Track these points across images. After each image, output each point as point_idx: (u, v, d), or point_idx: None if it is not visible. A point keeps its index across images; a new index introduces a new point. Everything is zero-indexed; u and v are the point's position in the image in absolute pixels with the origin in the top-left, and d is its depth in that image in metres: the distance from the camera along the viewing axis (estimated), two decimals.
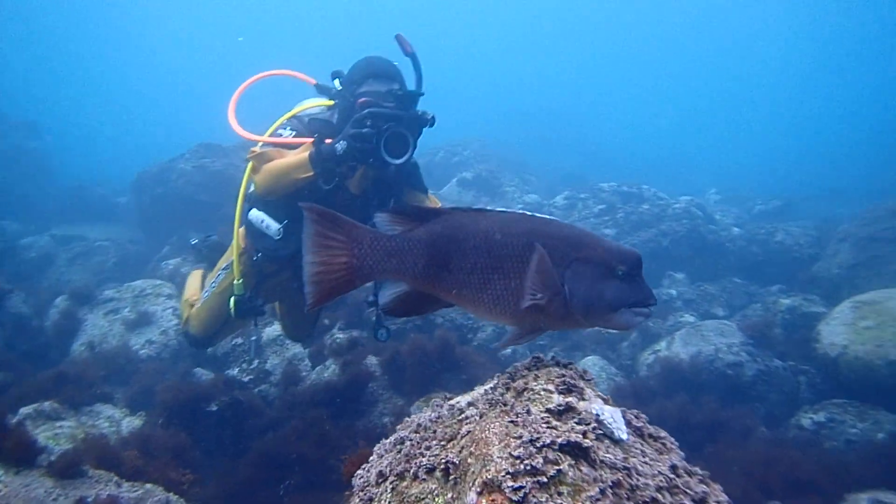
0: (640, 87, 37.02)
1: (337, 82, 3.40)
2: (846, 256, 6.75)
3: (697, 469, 1.38)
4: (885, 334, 4.64)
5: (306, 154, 3.05)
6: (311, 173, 3.03)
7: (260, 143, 3.37)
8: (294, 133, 3.29)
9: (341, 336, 5.37)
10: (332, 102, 3.42)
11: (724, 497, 1.34)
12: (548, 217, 1.62)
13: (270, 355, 5.35)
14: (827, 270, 7.02)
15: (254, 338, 3.90)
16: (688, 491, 1.27)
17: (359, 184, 3.30)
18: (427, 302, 1.71)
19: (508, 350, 5.84)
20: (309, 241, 1.60)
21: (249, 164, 3.33)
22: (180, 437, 3.89)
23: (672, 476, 1.26)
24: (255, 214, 3.41)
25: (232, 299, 3.50)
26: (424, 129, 3.07)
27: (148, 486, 2.85)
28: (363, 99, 3.08)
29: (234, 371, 5.22)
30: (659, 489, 1.18)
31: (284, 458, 3.73)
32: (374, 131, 2.84)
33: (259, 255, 3.53)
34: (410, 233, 1.64)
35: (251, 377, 5.15)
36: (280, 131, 3.33)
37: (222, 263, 3.84)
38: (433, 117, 3.06)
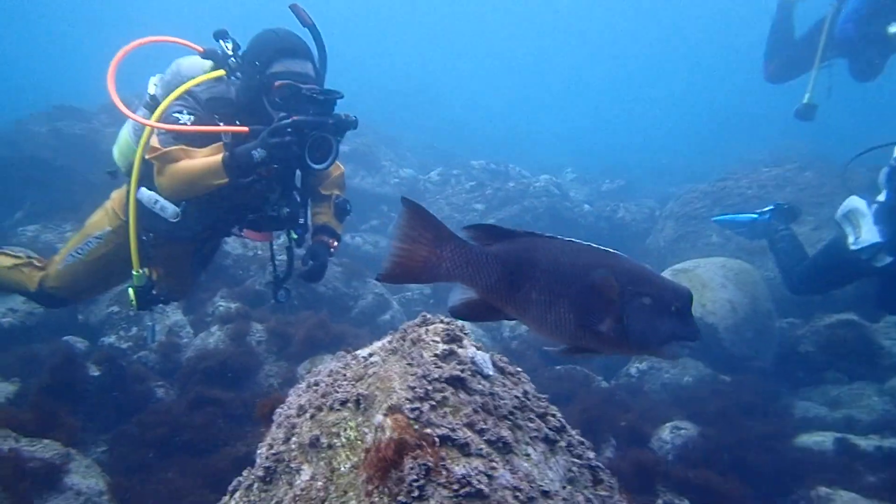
0: (509, 71, 38.44)
1: (228, 47, 3.17)
2: (670, 232, 7.85)
3: (543, 395, 1.85)
4: (694, 297, 5.59)
5: (219, 159, 2.90)
6: (226, 180, 2.91)
7: (154, 130, 3.10)
8: (193, 118, 3.03)
9: (224, 304, 5.44)
10: (222, 72, 3.17)
11: (559, 416, 1.82)
12: (611, 250, 1.77)
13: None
14: (656, 243, 8.12)
15: (150, 323, 3.84)
16: (534, 409, 1.72)
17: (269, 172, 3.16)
18: (492, 312, 1.80)
19: (387, 316, 6.23)
20: (400, 230, 1.71)
21: (140, 148, 3.13)
22: (61, 401, 3.83)
23: (523, 399, 1.71)
24: (147, 194, 3.19)
25: (131, 290, 3.35)
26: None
27: (46, 441, 2.89)
28: (281, 82, 2.94)
29: (112, 338, 5.12)
30: (513, 408, 1.61)
31: (171, 423, 3.82)
32: (297, 140, 2.80)
33: (151, 235, 3.38)
34: (488, 248, 1.74)
35: (129, 344, 5.09)
36: (175, 114, 3.04)
37: (92, 231, 3.58)
38: (356, 119, 3.05)
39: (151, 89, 3.31)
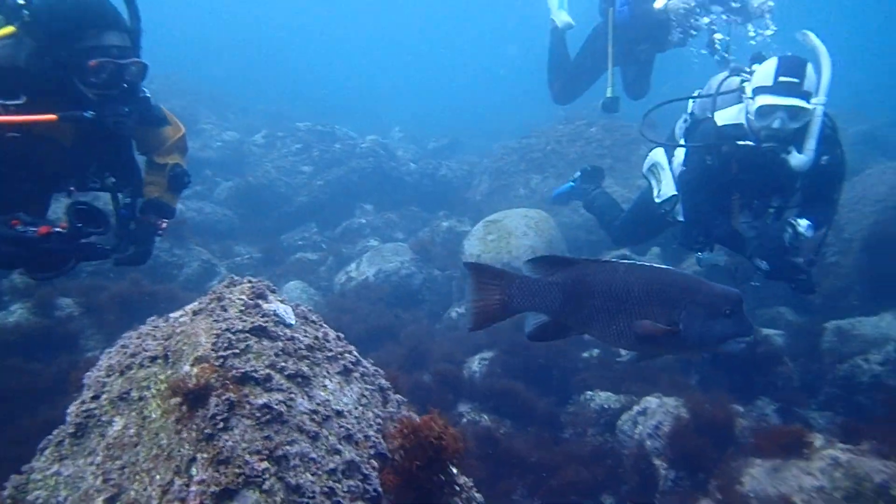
0: (344, 29, 37.30)
1: None
2: (485, 186, 8.53)
3: (341, 335, 2.13)
4: (501, 244, 6.24)
5: None
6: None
7: None
8: None
9: (19, 278, 5.00)
10: (12, 29, 2.68)
11: (355, 352, 2.12)
12: (664, 267, 2.07)
13: None
14: (473, 197, 8.77)
15: None
16: (332, 349, 2.00)
17: (70, 137, 2.91)
18: (563, 330, 2.10)
19: (215, 282, 6.14)
20: (471, 287, 2.09)
21: None
22: None
23: (321, 339, 1.98)
24: None
25: None
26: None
27: None
28: (98, 61, 2.67)
29: None
30: (310, 347, 1.88)
31: None
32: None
33: None
34: (550, 277, 2.06)
35: None
36: None
37: None
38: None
39: None
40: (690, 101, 4.54)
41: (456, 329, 5.72)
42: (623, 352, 4.38)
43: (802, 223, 3.60)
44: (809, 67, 3.57)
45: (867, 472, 2.21)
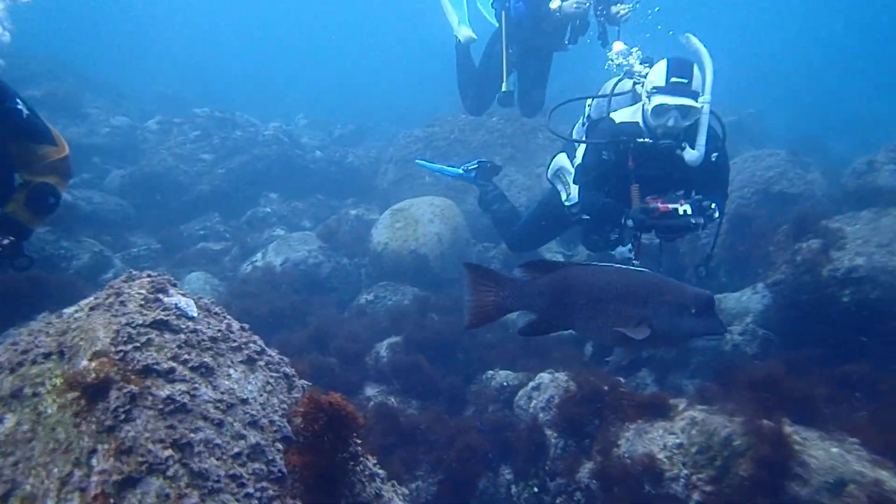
0: (249, 13, 35.57)
1: None
2: (392, 175, 8.61)
3: (245, 325, 2.17)
4: (408, 232, 6.37)
5: None
6: None
7: None
8: None
9: None
10: None
11: (260, 342, 2.17)
12: (641, 269, 2.29)
13: None
14: (381, 185, 8.82)
15: None
16: (236, 339, 2.05)
17: None
18: (551, 326, 2.42)
19: (109, 274, 5.84)
20: (470, 288, 2.38)
21: None
22: None
23: (226, 332, 2.02)
24: None
25: None
26: None
27: None
28: None
29: None
30: (212, 338, 1.92)
31: None
32: None
33: None
34: (539, 280, 2.35)
35: None
36: None
37: None
38: None
39: None
40: (587, 105, 4.72)
41: (364, 315, 5.80)
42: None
43: (712, 205, 3.74)
44: (695, 68, 3.85)
45: (716, 427, 2.55)
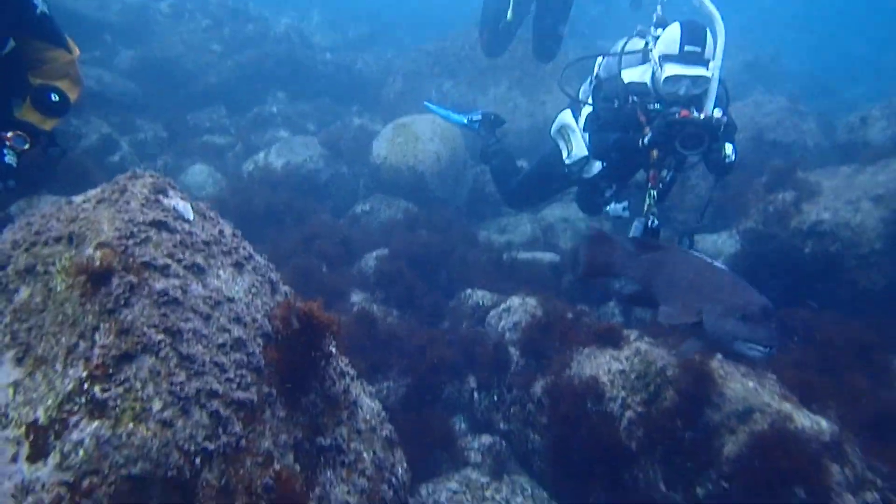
0: None
1: None
2: (399, 86, 8.52)
3: (237, 231, 2.36)
4: (408, 148, 6.44)
5: None
6: None
7: None
8: None
9: None
10: None
11: (249, 248, 2.36)
12: (716, 265, 2.52)
13: None
14: (387, 96, 8.75)
15: None
16: (227, 243, 2.24)
17: None
18: (647, 301, 2.75)
19: (116, 157, 5.97)
20: (588, 246, 3.04)
21: None
22: None
23: (216, 235, 2.20)
24: None
25: None
26: None
27: None
28: None
29: None
30: (205, 241, 2.10)
31: None
32: None
33: None
34: (643, 255, 2.74)
35: None
36: None
37: None
38: None
39: None
40: (596, 64, 4.62)
41: (358, 224, 5.99)
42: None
43: (728, 147, 3.73)
44: (708, 34, 3.78)
45: (655, 358, 2.81)
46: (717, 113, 3.60)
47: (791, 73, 13.21)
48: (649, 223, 3.81)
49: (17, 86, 3.28)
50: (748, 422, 2.44)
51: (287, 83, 8.96)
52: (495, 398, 3.65)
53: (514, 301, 3.87)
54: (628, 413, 2.75)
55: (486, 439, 3.53)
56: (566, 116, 4.63)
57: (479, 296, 4.31)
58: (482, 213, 6.81)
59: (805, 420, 2.53)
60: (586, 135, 4.41)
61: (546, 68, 7.67)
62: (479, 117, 5.74)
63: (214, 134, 7.79)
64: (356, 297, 4.39)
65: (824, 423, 2.56)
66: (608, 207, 4.27)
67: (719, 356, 2.74)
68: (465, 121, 5.84)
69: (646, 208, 3.84)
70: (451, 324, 4.33)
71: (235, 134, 7.85)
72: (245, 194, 5.98)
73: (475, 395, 3.76)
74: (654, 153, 3.77)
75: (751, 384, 2.65)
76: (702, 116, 3.56)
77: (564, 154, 4.55)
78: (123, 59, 8.65)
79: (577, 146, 4.45)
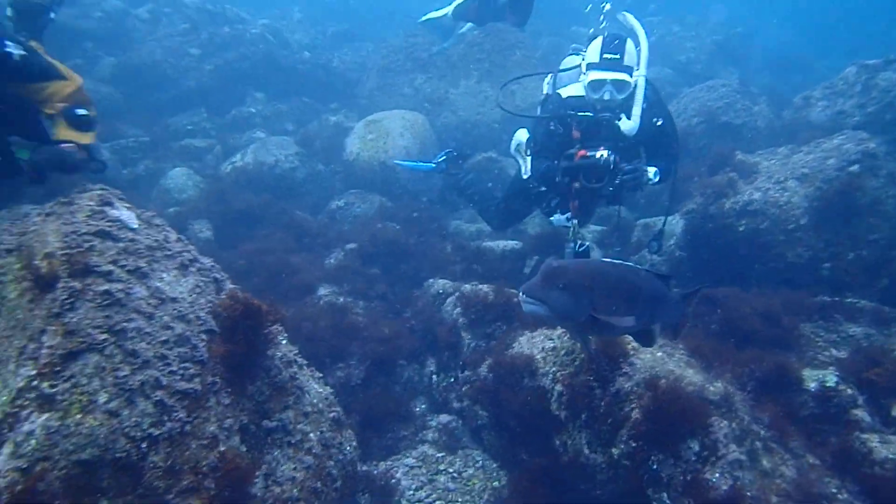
0: None
1: None
2: (373, 83, 8.64)
3: (182, 237, 2.54)
4: (379, 143, 6.59)
5: None
6: None
7: None
8: None
9: None
10: None
11: (194, 251, 2.54)
12: (621, 262, 2.43)
13: None
14: (362, 93, 8.87)
15: None
16: (171, 248, 2.42)
17: None
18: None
19: None
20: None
21: None
22: None
23: (161, 241, 2.39)
24: None
25: None
26: None
27: None
28: None
29: None
30: (149, 247, 2.29)
31: None
32: None
33: None
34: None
35: None
36: None
37: None
38: None
39: None
40: (545, 82, 4.76)
41: (334, 220, 6.17)
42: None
43: (651, 170, 4.02)
44: (629, 44, 3.98)
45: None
46: (605, 153, 3.81)
47: (765, 49, 13.26)
48: (577, 247, 4.06)
49: (32, 126, 3.39)
50: (654, 387, 2.64)
51: (265, 84, 9.08)
52: (452, 380, 3.86)
53: (466, 288, 4.06)
54: (558, 386, 2.95)
55: (443, 418, 3.74)
56: (521, 134, 4.74)
57: (440, 284, 4.50)
58: (454, 203, 6.96)
59: (701, 382, 2.75)
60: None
61: (514, 58, 7.80)
62: (444, 157, 5.83)
63: (195, 137, 7.93)
64: (323, 291, 4.57)
65: (718, 384, 2.80)
66: (552, 217, 4.44)
67: None
68: (433, 164, 5.90)
69: (571, 235, 4.09)
70: (414, 312, 4.52)
71: (215, 136, 7.99)
72: (223, 195, 6.14)
73: (433, 377, 3.97)
74: (576, 184, 3.98)
75: (659, 354, 2.86)
76: (597, 155, 3.80)
77: (523, 170, 4.67)
78: (104, 65, 8.76)
79: (528, 164, 4.57)
